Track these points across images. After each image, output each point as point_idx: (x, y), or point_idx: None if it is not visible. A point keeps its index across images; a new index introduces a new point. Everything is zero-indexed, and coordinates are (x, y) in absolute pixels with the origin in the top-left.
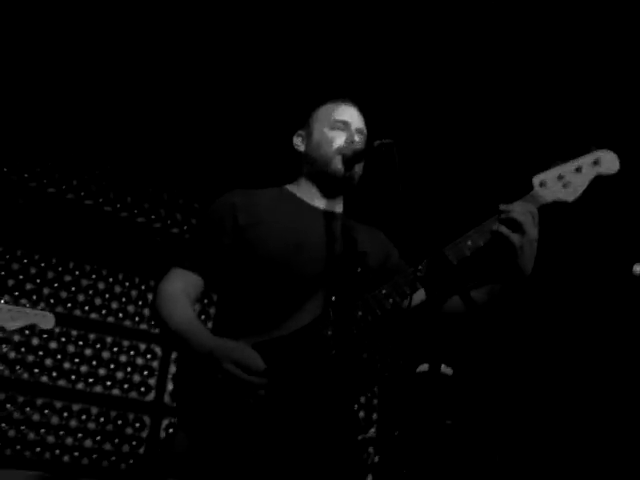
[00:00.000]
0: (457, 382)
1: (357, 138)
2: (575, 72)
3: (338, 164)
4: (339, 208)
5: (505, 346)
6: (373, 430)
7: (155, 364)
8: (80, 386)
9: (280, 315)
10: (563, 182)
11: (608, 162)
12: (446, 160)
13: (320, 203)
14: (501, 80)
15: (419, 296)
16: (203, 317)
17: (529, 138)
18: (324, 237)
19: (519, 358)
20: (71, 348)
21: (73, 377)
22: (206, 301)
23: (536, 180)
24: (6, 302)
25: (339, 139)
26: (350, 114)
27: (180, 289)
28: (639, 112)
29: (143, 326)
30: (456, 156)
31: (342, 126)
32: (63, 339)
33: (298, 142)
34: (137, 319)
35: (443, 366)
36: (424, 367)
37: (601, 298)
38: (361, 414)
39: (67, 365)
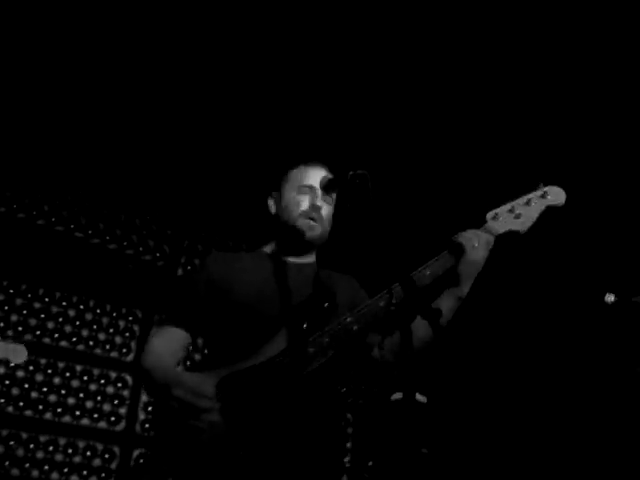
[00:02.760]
0: (432, 410)
1: (319, 203)
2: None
3: (303, 226)
4: (311, 259)
5: (479, 373)
6: (347, 459)
7: (126, 393)
8: (48, 416)
9: (248, 351)
10: (514, 214)
11: (555, 195)
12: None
13: (291, 258)
14: (457, 122)
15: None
16: (188, 363)
17: (484, 178)
18: (292, 284)
19: (493, 384)
20: (39, 377)
21: (40, 407)
22: (191, 348)
23: (489, 215)
24: None
25: (304, 203)
26: (315, 178)
27: (165, 347)
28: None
29: (114, 354)
30: (416, 191)
31: (308, 190)
32: (31, 367)
33: (271, 204)
34: (108, 347)
35: (417, 394)
36: (398, 395)
37: (574, 326)
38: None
39: (34, 394)
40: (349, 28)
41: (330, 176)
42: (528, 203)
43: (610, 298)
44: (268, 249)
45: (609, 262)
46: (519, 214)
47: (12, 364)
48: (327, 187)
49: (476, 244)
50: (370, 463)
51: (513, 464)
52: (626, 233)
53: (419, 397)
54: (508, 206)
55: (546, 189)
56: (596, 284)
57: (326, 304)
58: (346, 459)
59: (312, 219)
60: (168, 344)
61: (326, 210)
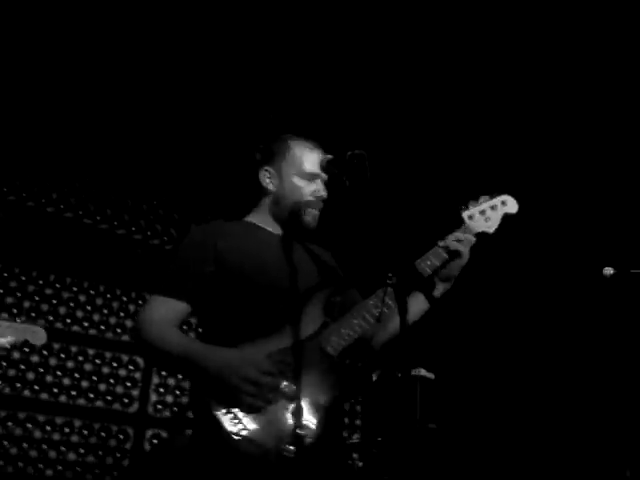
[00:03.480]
0: (440, 386)
1: (324, 193)
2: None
3: (309, 219)
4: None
5: (485, 349)
6: (357, 436)
7: (138, 375)
8: (63, 399)
9: (267, 329)
10: (485, 217)
11: (510, 204)
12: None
13: (279, 231)
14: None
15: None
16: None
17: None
18: (295, 260)
19: (499, 361)
20: (53, 361)
21: (55, 390)
22: (185, 327)
23: (465, 214)
24: None
25: (308, 190)
26: (318, 164)
27: (163, 318)
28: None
29: (125, 337)
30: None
31: (312, 177)
32: (45, 352)
33: (265, 180)
34: (119, 331)
35: (424, 371)
36: (418, 371)
37: (574, 300)
38: (345, 420)
39: (49, 378)
40: (341, 18)
41: (329, 157)
42: (494, 208)
43: (609, 271)
44: (257, 220)
45: (606, 236)
46: (488, 217)
47: (32, 345)
48: (327, 169)
49: (462, 248)
50: (379, 439)
51: (519, 439)
52: (622, 207)
53: (427, 373)
54: (480, 208)
55: (505, 197)
56: (594, 258)
57: (332, 286)
58: (355, 436)
59: (315, 209)
60: (165, 315)
61: (326, 196)
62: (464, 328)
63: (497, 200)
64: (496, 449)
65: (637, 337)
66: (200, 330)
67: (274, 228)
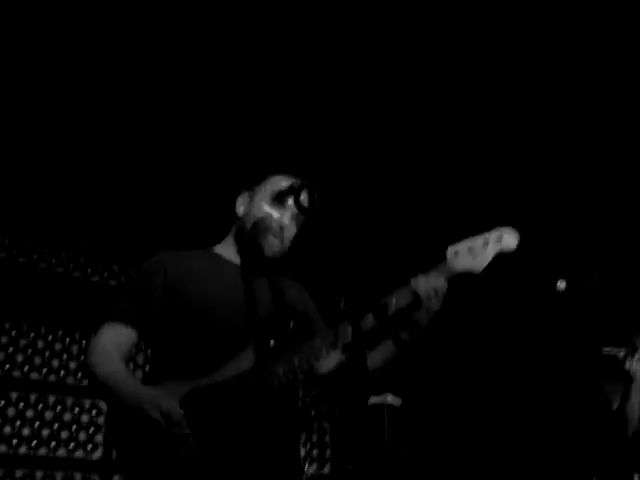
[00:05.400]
0: (406, 412)
1: (287, 222)
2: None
3: (266, 244)
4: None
5: (450, 370)
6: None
7: (101, 420)
8: (23, 450)
9: (214, 363)
10: (472, 254)
11: (508, 239)
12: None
13: (248, 264)
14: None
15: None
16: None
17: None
18: (256, 294)
19: (464, 380)
20: (11, 411)
21: (15, 441)
22: (133, 350)
23: (451, 250)
24: None
25: (272, 219)
26: (290, 193)
27: (111, 342)
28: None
29: (86, 382)
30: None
31: (280, 206)
32: (2, 402)
33: (239, 204)
34: (80, 375)
35: (391, 397)
36: (374, 399)
37: (529, 314)
38: (314, 452)
39: (7, 429)
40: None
41: (285, 186)
42: (485, 244)
43: (562, 285)
44: (221, 250)
45: (559, 250)
46: (476, 254)
47: None
48: (298, 203)
49: (432, 294)
50: (350, 467)
51: (489, 462)
52: (574, 221)
53: (393, 400)
54: (467, 245)
55: (502, 232)
56: (547, 272)
57: (290, 321)
58: (326, 467)
59: (276, 237)
60: (114, 339)
61: (292, 230)
62: (430, 350)
63: (491, 235)
64: (465, 471)
65: (590, 348)
66: (149, 354)
67: (236, 259)
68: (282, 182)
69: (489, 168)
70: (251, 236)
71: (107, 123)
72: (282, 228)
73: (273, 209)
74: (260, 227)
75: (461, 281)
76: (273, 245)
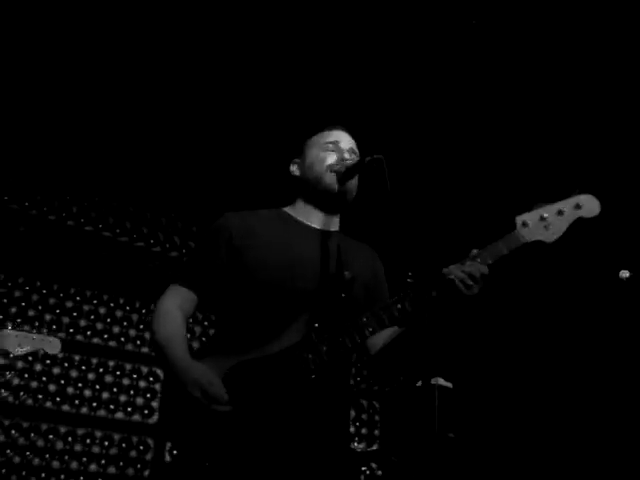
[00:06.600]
0: (458, 395)
1: (347, 155)
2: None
3: (331, 180)
4: (335, 226)
5: (503, 355)
6: (375, 446)
7: (157, 386)
8: (84, 410)
9: (267, 334)
10: (545, 224)
11: (589, 206)
12: (436, 182)
13: (316, 222)
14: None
15: (387, 333)
16: (204, 339)
17: (516, 176)
18: (317, 256)
19: (517, 366)
20: (74, 373)
21: (77, 402)
22: (206, 323)
23: (519, 220)
24: (12, 328)
25: (330, 158)
26: (339, 136)
27: (175, 304)
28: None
29: (145, 349)
30: (448, 180)
31: (332, 147)
32: (66, 364)
33: (294, 169)
34: (139, 342)
35: (442, 380)
36: (436, 380)
37: (592, 303)
38: (363, 431)
39: (70, 390)
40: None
41: (354, 146)
42: (561, 213)
43: (625, 274)
44: (292, 211)
45: (622, 239)
46: (549, 224)
47: (48, 353)
48: (352, 151)
49: (470, 282)
50: (398, 448)
51: (536, 447)
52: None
53: (445, 383)
54: (539, 213)
55: (582, 198)
56: (610, 261)
57: (343, 295)
58: (374, 446)
59: (338, 169)
60: (178, 301)
61: (351, 158)
62: (481, 336)
63: (567, 203)
64: (513, 457)
65: None
66: (214, 319)
67: (310, 219)
68: (329, 135)
69: (557, 145)
70: (315, 180)
71: (168, 92)
72: (342, 159)
73: (327, 151)
74: (321, 168)
75: (522, 265)
76: (332, 179)
